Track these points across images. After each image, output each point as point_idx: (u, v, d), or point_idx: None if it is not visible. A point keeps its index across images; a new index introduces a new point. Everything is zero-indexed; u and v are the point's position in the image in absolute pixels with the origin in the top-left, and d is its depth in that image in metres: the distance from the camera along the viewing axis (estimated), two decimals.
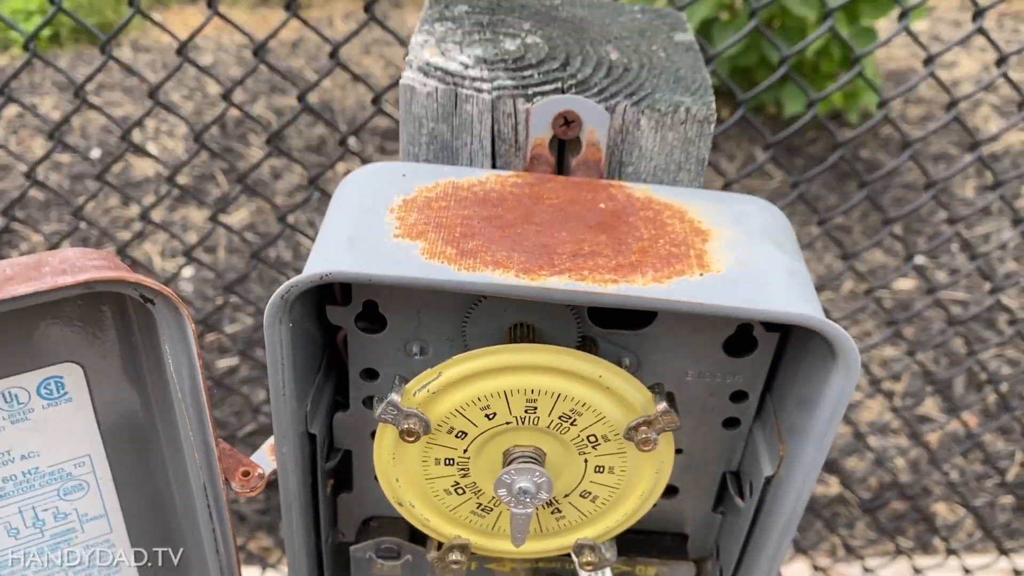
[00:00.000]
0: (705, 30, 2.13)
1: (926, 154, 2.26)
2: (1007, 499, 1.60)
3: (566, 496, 0.42)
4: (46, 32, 2.68)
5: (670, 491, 0.47)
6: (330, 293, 0.41)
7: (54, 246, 1.88)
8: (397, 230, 0.37)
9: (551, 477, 0.39)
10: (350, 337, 0.41)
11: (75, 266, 0.33)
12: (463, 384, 0.38)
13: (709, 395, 0.43)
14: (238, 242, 1.94)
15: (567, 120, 0.41)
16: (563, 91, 0.42)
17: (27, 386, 0.38)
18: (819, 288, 1.21)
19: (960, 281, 1.98)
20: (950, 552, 1.35)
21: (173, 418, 0.39)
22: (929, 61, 0.90)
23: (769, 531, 0.41)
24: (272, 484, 0.42)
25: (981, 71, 2.57)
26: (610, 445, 0.40)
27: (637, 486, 0.41)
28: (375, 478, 0.47)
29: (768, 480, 0.41)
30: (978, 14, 0.88)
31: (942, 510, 1.59)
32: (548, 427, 0.39)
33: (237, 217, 2.06)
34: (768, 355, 0.41)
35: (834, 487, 1.61)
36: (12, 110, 2.28)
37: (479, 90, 0.41)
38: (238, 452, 0.41)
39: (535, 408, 0.38)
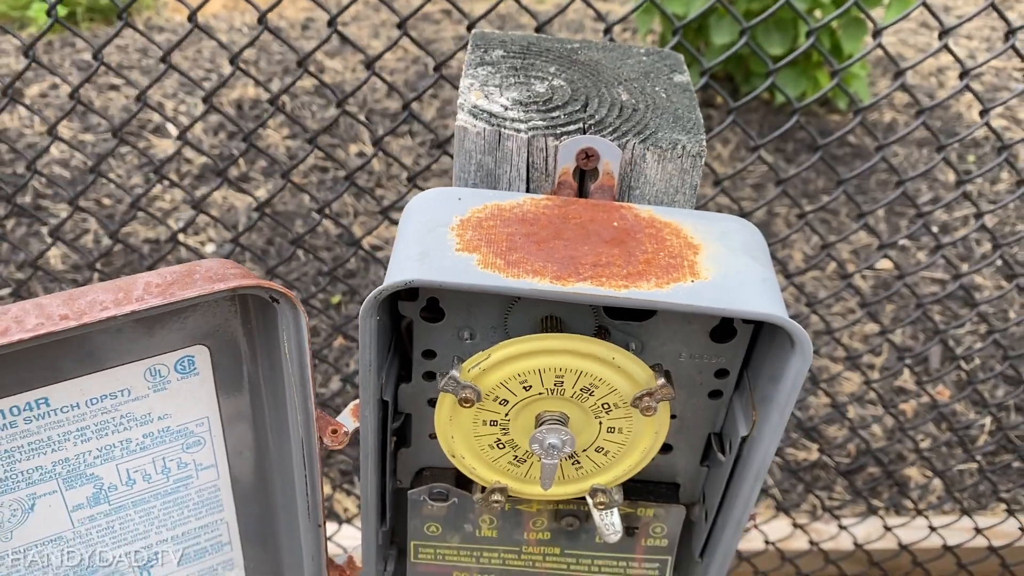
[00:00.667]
0: (703, 19, 2.22)
1: (910, 140, 2.36)
2: (974, 465, 1.73)
3: (584, 451, 0.53)
4: (61, 11, 2.76)
5: (666, 449, 0.58)
6: (399, 292, 0.51)
7: (82, 221, 1.99)
8: (458, 245, 0.47)
9: (573, 435, 0.50)
10: (415, 325, 0.52)
11: (220, 275, 0.44)
12: (507, 363, 0.49)
13: (698, 372, 0.54)
14: (257, 219, 2.04)
15: (588, 155, 0.52)
16: (584, 131, 0.52)
17: (168, 363, 0.49)
18: (806, 269, 1.31)
19: (938, 261, 2.09)
20: (919, 512, 1.47)
21: (281, 389, 0.50)
22: (942, 38, 0.99)
23: (743, 480, 0.53)
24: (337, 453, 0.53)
25: (966, 57, 2.67)
26: (619, 411, 0.51)
27: (640, 443, 0.53)
28: (430, 436, 0.58)
29: (743, 439, 0.52)
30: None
31: (914, 474, 1.72)
32: (571, 397, 0.50)
33: (257, 195, 2.15)
34: (745, 342, 0.52)
35: (814, 453, 1.73)
36: (35, 89, 2.37)
37: (517, 130, 0.52)
38: (327, 415, 0.52)
39: (562, 382, 0.50)
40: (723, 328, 0.52)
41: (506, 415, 0.51)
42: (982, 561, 1.45)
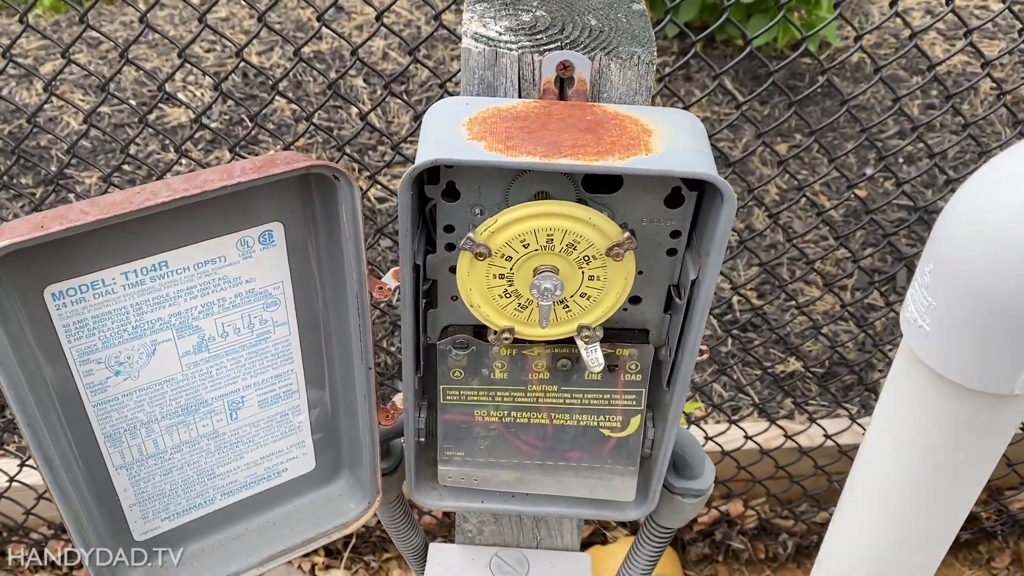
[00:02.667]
0: None
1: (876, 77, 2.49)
2: None
3: (571, 296, 0.69)
4: None
5: (636, 300, 0.74)
6: (424, 178, 0.67)
7: (105, 191, 2.13)
8: (468, 136, 0.63)
9: (563, 281, 0.66)
10: (438, 205, 0.68)
11: (296, 159, 0.59)
12: (509, 226, 0.64)
13: (656, 234, 0.69)
14: None
15: (565, 66, 0.67)
16: (562, 48, 0.67)
17: (253, 235, 0.65)
18: (780, 202, 1.47)
19: (904, 188, 2.25)
20: None
21: (339, 255, 0.65)
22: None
23: (694, 314, 0.68)
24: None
25: None
26: (597, 262, 0.67)
27: (614, 288, 0.68)
28: (452, 298, 0.74)
29: (693, 283, 0.68)
30: None
31: (883, 381, 1.89)
32: (560, 252, 0.66)
33: None
34: (691, 206, 0.68)
35: (792, 365, 1.90)
36: (48, 67, 2.50)
37: (510, 49, 0.67)
38: (374, 277, 0.68)
39: (552, 240, 0.65)
40: (673, 196, 0.67)
41: (511, 269, 0.67)
42: None
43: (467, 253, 0.65)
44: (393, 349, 1.90)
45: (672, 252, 0.71)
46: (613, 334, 0.75)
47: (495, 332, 0.71)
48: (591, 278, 0.68)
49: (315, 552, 1.75)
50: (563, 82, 0.69)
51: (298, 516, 0.82)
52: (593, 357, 0.72)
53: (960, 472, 0.58)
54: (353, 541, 1.76)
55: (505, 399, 0.78)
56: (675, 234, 0.69)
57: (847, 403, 1.78)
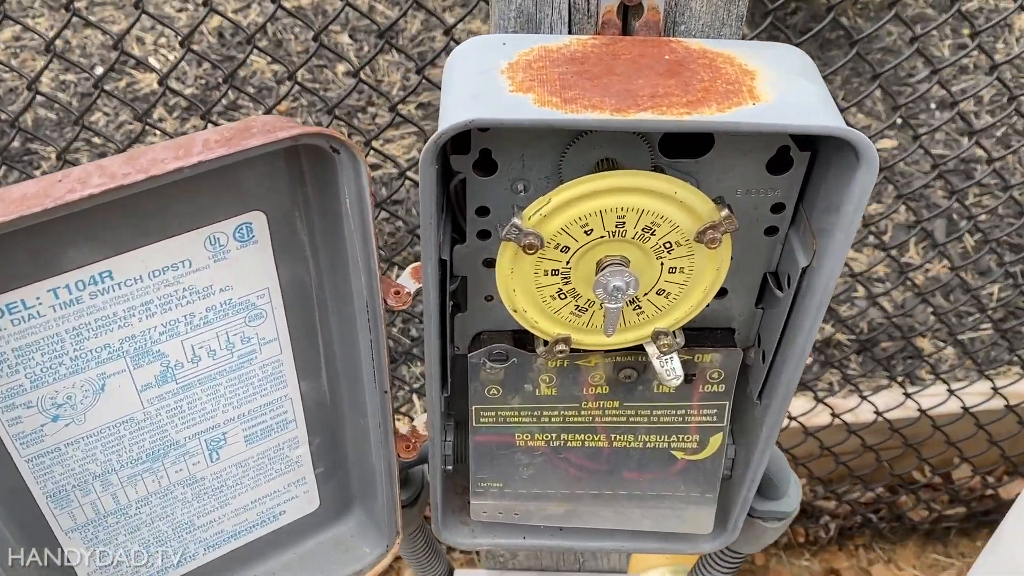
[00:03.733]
0: None
1: (903, 17, 2.32)
2: (986, 332, 1.75)
3: (645, 295, 0.53)
4: None
5: (721, 293, 0.58)
6: (447, 149, 0.51)
7: (73, 163, 1.95)
8: (511, 87, 0.47)
9: (636, 277, 0.50)
10: (468, 181, 0.52)
11: (279, 126, 0.43)
12: (567, 207, 0.48)
13: (754, 208, 0.53)
14: None
15: None
16: None
17: (226, 231, 0.48)
18: None
19: (937, 136, 2.09)
20: (937, 377, 1.50)
21: (342, 251, 0.49)
22: None
23: (806, 311, 0.53)
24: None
25: None
26: (681, 250, 0.51)
27: (701, 283, 0.53)
28: (486, 299, 0.58)
29: (804, 271, 0.52)
30: None
31: (926, 345, 1.75)
32: (633, 238, 0.50)
33: None
34: (801, 171, 0.52)
35: (828, 331, 1.75)
36: (8, 32, 2.30)
37: None
38: (388, 278, 0.52)
39: (624, 223, 0.49)
40: (779, 159, 0.51)
41: (567, 263, 0.51)
42: (999, 420, 1.48)
43: (511, 244, 0.49)
44: (407, 341, 1.74)
45: (772, 231, 0.55)
46: (690, 335, 0.59)
47: (545, 343, 0.55)
48: (672, 271, 0.52)
49: None
50: (627, 10, 0.52)
51: (301, 565, 0.67)
52: (670, 368, 0.56)
53: None
54: None
55: (554, 419, 0.62)
56: (777, 208, 0.54)
57: (891, 372, 1.64)
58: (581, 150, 0.50)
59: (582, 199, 0.48)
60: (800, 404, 1.48)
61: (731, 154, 0.51)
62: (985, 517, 1.69)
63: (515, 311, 0.53)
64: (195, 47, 2.14)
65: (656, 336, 0.55)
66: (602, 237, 0.50)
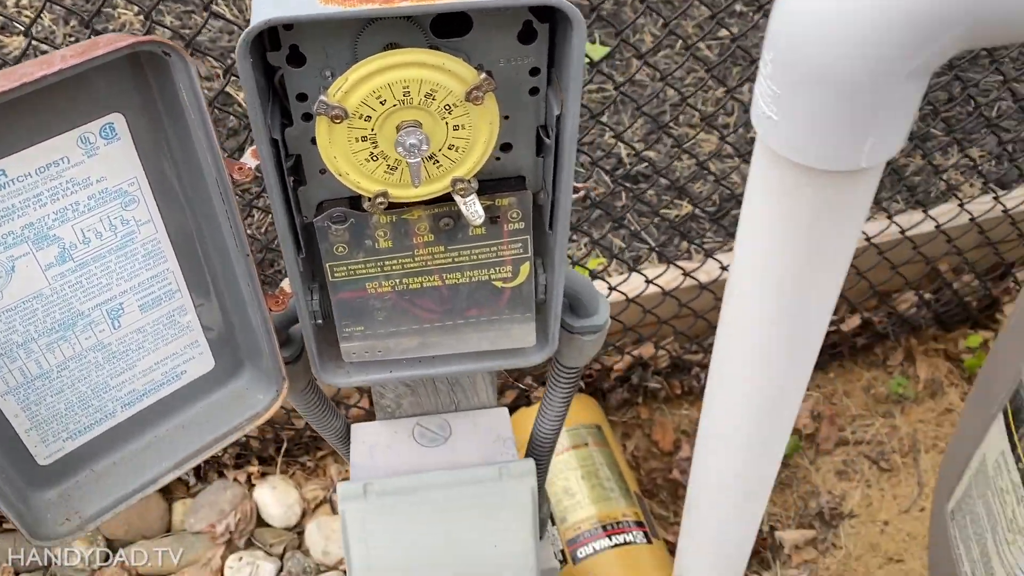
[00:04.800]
0: None
1: None
2: None
3: (439, 150, 0.68)
4: None
5: (507, 148, 0.73)
6: (266, 46, 0.64)
7: None
8: None
9: (427, 135, 0.65)
10: (285, 73, 0.65)
11: (119, 39, 0.55)
12: (362, 83, 0.62)
13: (516, 74, 0.68)
14: None
15: None
16: None
17: (93, 131, 0.61)
18: (655, 48, 1.46)
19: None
20: None
21: (189, 137, 0.63)
22: None
23: (563, 148, 0.68)
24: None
25: None
26: (459, 110, 0.65)
27: (481, 135, 0.68)
28: (320, 172, 0.72)
29: (558, 118, 0.68)
30: None
31: None
32: (419, 104, 0.65)
33: None
34: (545, 40, 0.67)
35: (686, 207, 1.95)
36: None
37: None
38: (231, 159, 0.66)
39: (409, 92, 0.64)
40: (526, 31, 0.66)
41: (372, 130, 0.65)
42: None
43: (323, 118, 0.63)
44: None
45: (535, 91, 0.70)
46: (490, 185, 0.75)
47: (368, 199, 0.70)
48: (456, 128, 0.67)
49: (248, 462, 1.76)
50: None
51: (207, 415, 0.81)
52: (473, 211, 0.71)
53: (823, 257, 0.61)
54: (285, 445, 1.77)
55: (395, 268, 0.77)
56: (534, 72, 0.69)
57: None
58: (370, 38, 0.64)
59: (372, 75, 0.62)
60: (657, 270, 1.68)
61: (489, 30, 0.66)
62: (833, 350, 1.94)
63: (340, 175, 0.68)
64: (60, 4, 2.16)
65: (455, 184, 0.70)
66: (395, 105, 0.64)
